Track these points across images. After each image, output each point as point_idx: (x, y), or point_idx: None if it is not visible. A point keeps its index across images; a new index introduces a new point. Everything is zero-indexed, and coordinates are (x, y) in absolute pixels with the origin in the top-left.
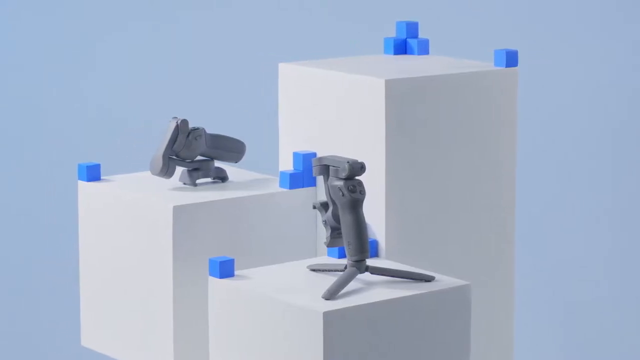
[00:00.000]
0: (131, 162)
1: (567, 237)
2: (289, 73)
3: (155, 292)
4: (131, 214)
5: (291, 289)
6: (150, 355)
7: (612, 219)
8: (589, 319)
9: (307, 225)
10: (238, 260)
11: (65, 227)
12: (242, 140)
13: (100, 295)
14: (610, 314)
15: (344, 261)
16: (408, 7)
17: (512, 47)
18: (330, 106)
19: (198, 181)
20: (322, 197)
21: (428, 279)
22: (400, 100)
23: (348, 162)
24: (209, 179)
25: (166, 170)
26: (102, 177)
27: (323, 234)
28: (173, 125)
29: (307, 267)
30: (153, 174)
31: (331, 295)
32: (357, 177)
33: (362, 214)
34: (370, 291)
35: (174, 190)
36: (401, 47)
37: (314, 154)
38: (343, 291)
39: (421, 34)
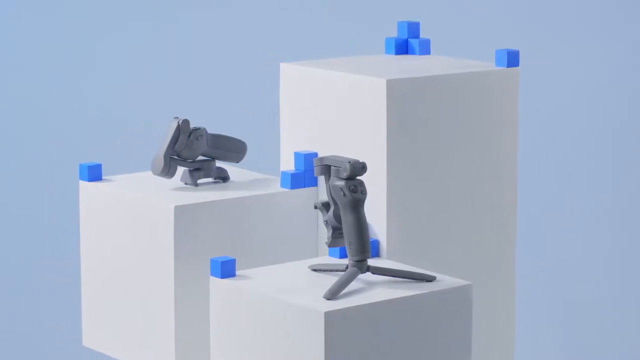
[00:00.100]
0: (131, 162)
1: (567, 237)
2: (290, 73)
3: (157, 292)
4: (132, 214)
5: (292, 289)
6: (151, 356)
7: (612, 219)
8: (589, 318)
9: (309, 225)
10: (239, 260)
11: (65, 227)
12: (243, 140)
13: (101, 295)
14: (610, 314)
15: (345, 261)
16: (408, 7)
17: (512, 47)
18: (331, 106)
19: (199, 181)
20: (324, 197)
21: (429, 279)
22: (402, 100)
23: (349, 162)
24: (210, 179)
25: (167, 170)
26: (103, 177)
27: (324, 234)
28: (174, 125)
29: (309, 267)
30: (154, 174)
31: (332, 295)
32: (358, 177)
33: (364, 214)
34: (372, 291)
35: (175, 190)
36: (402, 47)
37: (315, 154)
38: (344, 291)
39: (422, 34)
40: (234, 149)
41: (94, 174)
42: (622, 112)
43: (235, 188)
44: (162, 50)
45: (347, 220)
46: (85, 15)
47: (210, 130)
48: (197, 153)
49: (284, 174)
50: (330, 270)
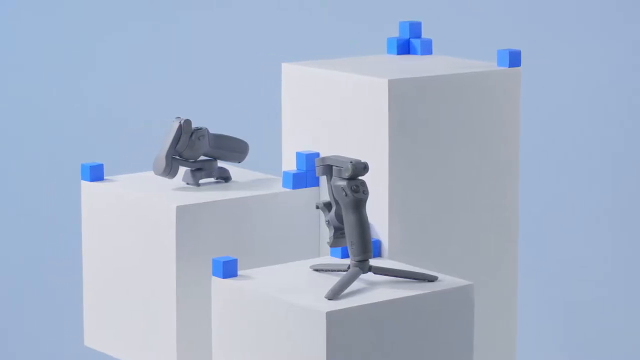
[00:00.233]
0: (131, 162)
1: (568, 237)
2: (292, 73)
3: (158, 292)
4: (134, 214)
5: (294, 289)
6: (153, 356)
7: (613, 219)
8: (591, 319)
9: (310, 225)
10: (241, 260)
11: (66, 227)
12: (245, 140)
13: (103, 295)
14: (612, 314)
15: (347, 261)
16: (408, 7)
17: (513, 47)
18: (333, 106)
19: (201, 181)
20: (325, 197)
21: (431, 279)
22: (403, 100)
23: (351, 162)
24: (212, 179)
25: (169, 170)
26: (104, 177)
27: (326, 234)
28: (176, 125)
29: (310, 267)
30: (156, 174)
31: (334, 295)
32: (360, 177)
33: (365, 214)
34: (374, 291)
35: (177, 190)
36: (404, 47)
37: (317, 154)
38: (346, 291)
39: (424, 34)
40: (235, 149)
41: (95, 174)
42: (622, 112)
43: (237, 188)
44: (162, 50)
45: (348, 220)
46: (85, 15)
47: (211, 131)
48: (199, 153)
49: (285, 174)
50: (332, 270)
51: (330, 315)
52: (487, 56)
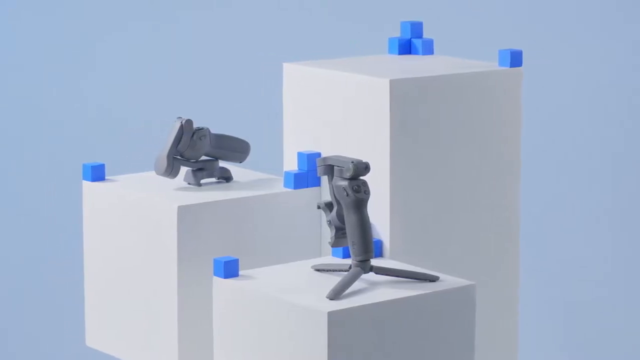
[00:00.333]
0: (131, 162)
1: (569, 237)
2: (293, 73)
3: (160, 292)
4: (136, 214)
5: (295, 289)
6: (154, 356)
7: (614, 219)
8: (592, 319)
9: (312, 225)
10: (242, 260)
11: (67, 227)
12: (246, 140)
13: (104, 295)
14: (614, 314)
15: (349, 261)
16: (408, 7)
17: (514, 47)
18: (334, 106)
19: (202, 181)
20: (327, 197)
21: (432, 279)
22: (405, 100)
23: (352, 162)
24: (213, 179)
25: (170, 170)
26: (106, 177)
27: (327, 234)
28: (177, 125)
29: (312, 267)
30: (157, 174)
31: (336, 295)
32: (361, 177)
33: (367, 214)
34: (375, 291)
35: (178, 190)
36: (405, 47)
37: (319, 154)
38: (347, 291)
39: (425, 34)
40: (237, 149)
41: (97, 174)
42: (622, 112)
43: (238, 188)
44: (162, 50)
45: (350, 220)
46: (85, 15)
47: (212, 131)
48: (200, 153)
49: (287, 174)
50: (334, 270)
51: (331, 315)
52: (488, 56)
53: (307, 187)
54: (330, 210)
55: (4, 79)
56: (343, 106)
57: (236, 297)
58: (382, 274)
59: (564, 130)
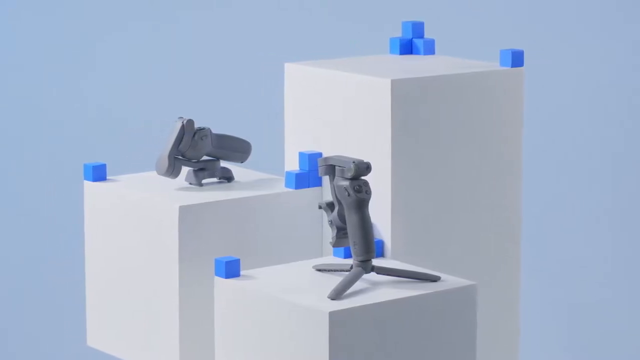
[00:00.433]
0: (131, 162)
1: (570, 237)
2: (294, 73)
3: (161, 292)
4: (137, 214)
5: (297, 289)
6: (156, 356)
7: (615, 220)
8: (594, 319)
9: (313, 225)
10: (244, 260)
11: (68, 227)
12: (247, 140)
13: (106, 295)
14: (615, 315)
15: (350, 261)
16: (408, 7)
17: (515, 47)
18: (336, 106)
19: (204, 181)
20: (328, 197)
21: (434, 279)
22: (406, 100)
23: (354, 162)
24: (214, 179)
25: (172, 170)
26: (107, 177)
27: (329, 234)
28: (179, 125)
29: (313, 267)
30: (159, 174)
31: (337, 295)
32: (363, 177)
33: (368, 214)
34: (376, 291)
35: (179, 190)
36: (407, 47)
37: (320, 154)
38: (349, 291)
39: (426, 34)
40: (238, 149)
41: (98, 174)
42: (622, 112)
43: (239, 188)
44: (162, 50)
45: (351, 220)
46: (85, 15)
47: (213, 131)
48: (202, 153)
49: (288, 174)
50: (335, 271)
51: (333, 315)
52: (489, 56)
53: (308, 187)
54: (332, 210)
55: (4, 79)
56: (344, 106)
57: (237, 297)
58: (383, 274)
59: (564, 130)
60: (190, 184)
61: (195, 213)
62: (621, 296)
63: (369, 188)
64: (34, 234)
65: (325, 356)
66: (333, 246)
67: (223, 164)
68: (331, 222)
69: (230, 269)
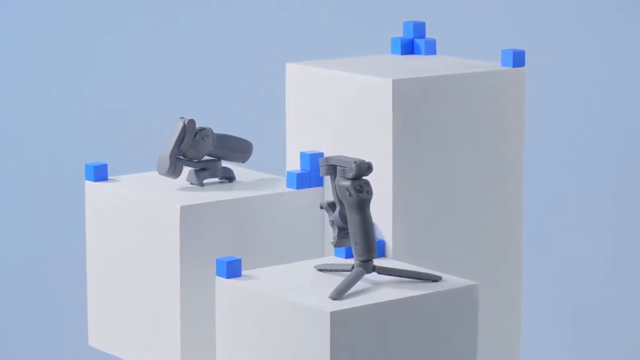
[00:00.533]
0: (131, 162)
1: (571, 237)
2: (295, 73)
3: (162, 292)
4: (138, 214)
5: (298, 289)
6: (157, 356)
7: (616, 220)
8: (595, 319)
9: (314, 225)
10: (245, 260)
11: (67, 227)
12: (248, 140)
13: (107, 296)
14: (616, 315)
15: (351, 261)
16: (408, 7)
17: (516, 47)
18: (337, 106)
19: (205, 181)
20: (329, 197)
21: (435, 279)
22: (408, 100)
23: (355, 162)
24: (216, 179)
25: (173, 170)
26: (108, 177)
27: (330, 234)
28: (180, 125)
29: (314, 267)
30: (160, 174)
31: (338, 295)
32: (364, 177)
33: (369, 214)
34: (378, 291)
35: (181, 190)
36: (408, 47)
37: (321, 154)
38: (350, 291)
39: (428, 34)
40: (239, 149)
41: (99, 174)
42: (622, 112)
43: (241, 188)
44: (162, 50)
45: (352, 220)
46: (85, 15)
47: (214, 131)
48: (203, 153)
49: (289, 174)
50: (336, 271)
51: (334, 315)
52: (490, 56)
53: (309, 187)
54: (333, 211)
55: (4, 79)
56: (345, 106)
57: (239, 297)
58: (384, 274)
59: (563, 130)
60: (192, 184)
61: (197, 213)
62: (622, 296)
63: (370, 188)
64: (34, 234)
65: (326, 356)
66: (334, 246)
67: (224, 164)
68: (332, 222)
69: (232, 269)
